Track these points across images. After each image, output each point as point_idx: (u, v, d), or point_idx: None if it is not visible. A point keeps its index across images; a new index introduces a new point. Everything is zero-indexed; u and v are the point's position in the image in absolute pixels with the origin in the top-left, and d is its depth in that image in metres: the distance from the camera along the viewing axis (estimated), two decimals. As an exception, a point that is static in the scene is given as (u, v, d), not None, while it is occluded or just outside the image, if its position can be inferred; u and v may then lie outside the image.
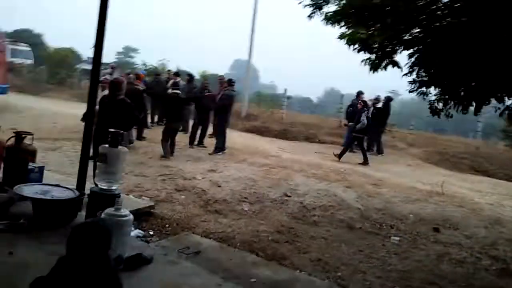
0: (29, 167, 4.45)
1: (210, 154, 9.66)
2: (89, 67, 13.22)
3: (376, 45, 5.01)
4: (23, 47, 31.31)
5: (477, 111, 5.38)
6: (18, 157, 4.43)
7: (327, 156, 11.60)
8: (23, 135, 4.84)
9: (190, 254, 4.13)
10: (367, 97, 13.21)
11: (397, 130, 16.71)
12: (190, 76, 12.72)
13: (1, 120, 9.87)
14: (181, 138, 11.53)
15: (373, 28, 4.90)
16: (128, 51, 46.17)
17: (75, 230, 2.08)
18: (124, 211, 3.37)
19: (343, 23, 5.51)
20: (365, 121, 11.04)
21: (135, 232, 4.62)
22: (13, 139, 4.76)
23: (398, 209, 7.02)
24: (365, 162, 10.89)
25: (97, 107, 4.98)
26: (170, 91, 10.11)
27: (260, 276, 3.88)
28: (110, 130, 4.03)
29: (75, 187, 4.44)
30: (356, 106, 12.69)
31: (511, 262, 5.39)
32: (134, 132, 9.95)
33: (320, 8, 5.38)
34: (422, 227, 6.40)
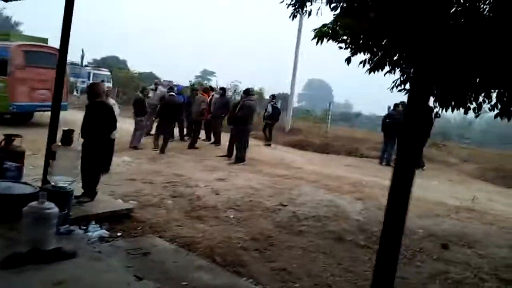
0: (5, 165, 4.75)
1: (229, 164, 9.64)
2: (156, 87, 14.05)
3: (345, 38, 4.67)
4: (104, 72, 34.36)
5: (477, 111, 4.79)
6: (-5, 157, 4.77)
7: (358, 169, 11.01)
8: (13, 138, 5.20)
9: (136, 255, 4.08)
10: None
11: (444, 144, 15.41)
12: (223, 90, 12.97)
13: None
14: (214, 150, 11.68)
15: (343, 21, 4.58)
16: (206, 74, 50.00)
17: None
18: (48, 205, 3.43)
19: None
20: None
21: (99, 232, 4.68)
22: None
23: (408, 224, 6.31)
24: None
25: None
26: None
27: (195, 280, 3.69)
28: (63, 129, 4.17)
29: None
30: (394, 117, 11.97)
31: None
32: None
33: (302, 7, 5.17)
34: (429, 243, 5.75)
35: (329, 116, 18.15)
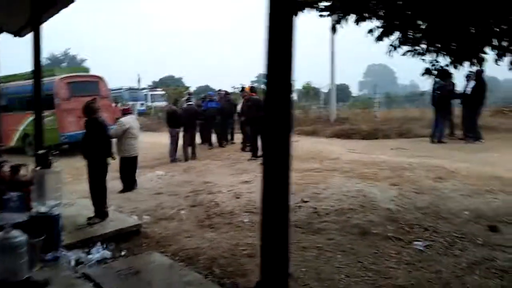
0: (6, 196, 4.77)
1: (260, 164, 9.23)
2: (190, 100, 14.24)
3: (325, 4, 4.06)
4: (159, 92, 36.05)
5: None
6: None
7: (405, 151, 10.06)
8: (19, 167, 5.25)
9: (126, 275, 3.84)
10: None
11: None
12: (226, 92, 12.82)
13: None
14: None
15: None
16: (262, 77, 51.21)
17: None
18: (15, 234, 3.28)
19: None
20: None
21: (100, 254, 4.55)
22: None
23: (451, 206, 5.57)
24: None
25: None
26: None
27: (177, 298, 3.36)
28: (37, 152, 4.07)
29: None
30: (444, 89, 10.78)
31: None
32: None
33: None
34: (474, 226, 4.93)
35: (376, 100, 17.01)
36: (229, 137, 13.40)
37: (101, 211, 5.44)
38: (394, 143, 11.87)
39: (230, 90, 18.03)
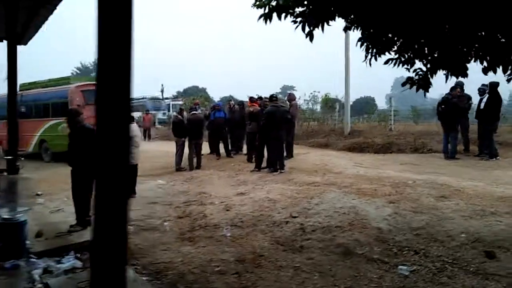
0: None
1: (261, 175, 9.00)
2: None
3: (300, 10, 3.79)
4: (180, 102, 36.72)
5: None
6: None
7: (415, 167, 9.61)
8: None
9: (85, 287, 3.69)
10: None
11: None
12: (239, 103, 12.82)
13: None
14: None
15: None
16: (286, 89, 52.20)
17: None
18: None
19: None
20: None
21: (71, 263, 4.44)
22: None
23: (448, 227, 5.18)
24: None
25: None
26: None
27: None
28: (7, 158, 4.00)
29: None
30: (449, 103, 10.30)
31: None
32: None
33: None
34: (470, 251, 4.54)
35: (392, 112, 16.49)
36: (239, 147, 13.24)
37: (83, 220, 5.35)
38: (406, 158, 11.40)
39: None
